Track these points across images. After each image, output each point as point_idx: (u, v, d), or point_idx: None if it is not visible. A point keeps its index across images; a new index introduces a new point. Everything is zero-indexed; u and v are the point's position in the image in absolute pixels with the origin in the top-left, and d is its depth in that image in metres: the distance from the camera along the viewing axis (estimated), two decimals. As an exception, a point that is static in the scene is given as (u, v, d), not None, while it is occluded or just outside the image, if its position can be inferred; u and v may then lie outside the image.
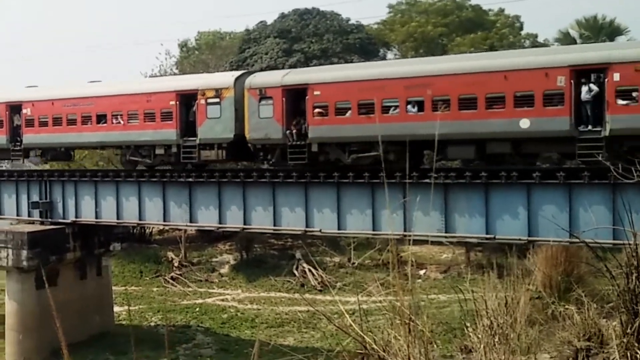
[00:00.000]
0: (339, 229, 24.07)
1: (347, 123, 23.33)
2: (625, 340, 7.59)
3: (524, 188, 20.63)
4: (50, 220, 30.68)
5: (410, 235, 19.29)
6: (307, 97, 24.16)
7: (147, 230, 48.32)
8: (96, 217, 29.58)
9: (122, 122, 28.33)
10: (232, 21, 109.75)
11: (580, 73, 19.66)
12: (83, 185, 30.01)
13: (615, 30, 42.76)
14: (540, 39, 50.12)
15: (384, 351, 6.87)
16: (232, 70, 46.39)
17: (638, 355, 7.45)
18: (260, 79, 25.80)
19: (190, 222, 27.48)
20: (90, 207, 29.70)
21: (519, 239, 20.78)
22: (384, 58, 51.23)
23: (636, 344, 7.56)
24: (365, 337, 6.90)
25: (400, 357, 6.59)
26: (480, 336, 7.38)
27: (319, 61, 45.33)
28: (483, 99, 20.59)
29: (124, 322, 34.19)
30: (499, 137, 20.75)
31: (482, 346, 7.20)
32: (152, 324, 34.72)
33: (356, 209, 23.45)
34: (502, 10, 52.35)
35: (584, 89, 19.52)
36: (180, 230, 42.76)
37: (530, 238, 20.64)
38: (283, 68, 42.87)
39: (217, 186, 26.29)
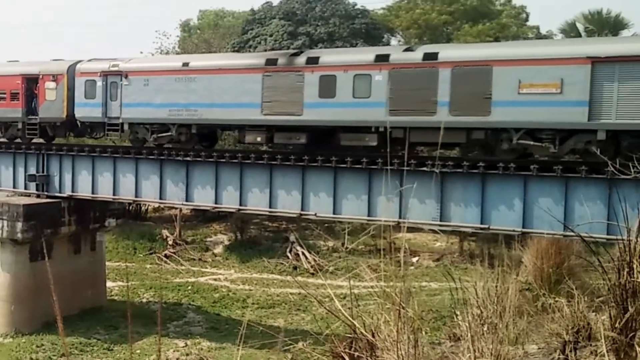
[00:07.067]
0: (334, 213, 24.08)
1: None
2: (613, 334, 7.64)
3: (520, 180, 20.66)
4: (46, 193, 30.61)
5: (404, 222, 19.38)
6: None
7: (143, 208, 48.33)
8: (92, 193, 29.54)
9: None
10: (237, 0, 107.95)
11: None
12: (80, 160, 29.94)
13: (619, 24, 42.74)
14: (544, 31, 49.97)
15: (372, 336, 6.91)
16: (233, 51, 46.28)
17: (625, 349, 7.51)
18: None
19: (186, 201, 27.51)
20: (86, 182, 29.66)
21: (513, 230, 20.87)
22: (387, 43, 51.02)
23: (624, 339, 7.61)
24: (354, 321, 6.95)
25: (389, 342, 6.63)
26: (468, 325, 7.41)
27: (324, 44, 45.18)
28: None
29: (116, 298, 34.29)
30: None
31: (470, 334, 7.25)
32: (144, 300, 34.83)
33: (352, 194, 23.44)
34: (509, 0, 52.16)
35: None
36: (175, 208, 42.74)
37: (524, 229, 20.69)
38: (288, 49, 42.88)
39: (214, 166, 26.26)
